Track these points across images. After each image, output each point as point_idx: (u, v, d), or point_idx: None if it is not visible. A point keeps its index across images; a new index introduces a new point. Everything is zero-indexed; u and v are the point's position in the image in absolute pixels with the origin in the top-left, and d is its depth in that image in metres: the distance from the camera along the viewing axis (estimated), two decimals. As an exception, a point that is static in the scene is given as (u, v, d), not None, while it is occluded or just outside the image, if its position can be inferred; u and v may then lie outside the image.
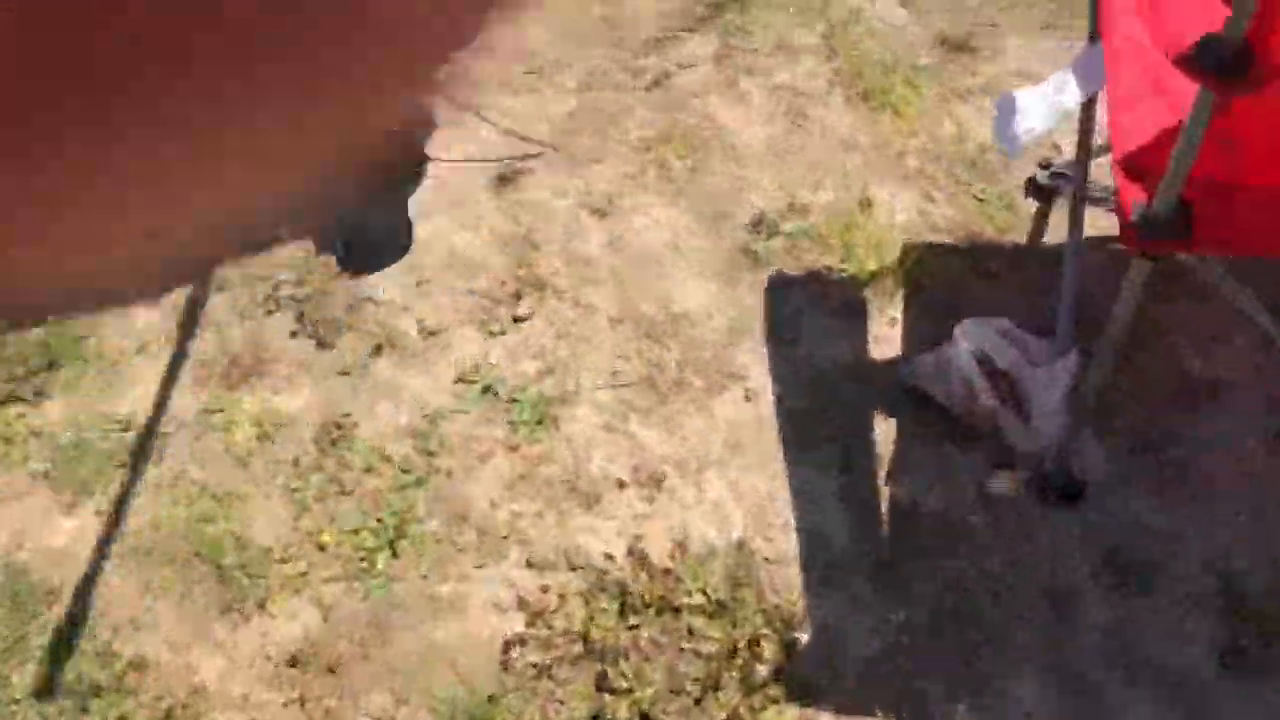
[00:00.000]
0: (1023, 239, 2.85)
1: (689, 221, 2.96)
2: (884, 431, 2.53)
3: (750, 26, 3.46)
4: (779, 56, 3.34)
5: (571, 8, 3.54)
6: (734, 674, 2.21)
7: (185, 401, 2.71)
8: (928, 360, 2.53)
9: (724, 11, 3.52)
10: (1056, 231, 2.83)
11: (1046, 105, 2.16)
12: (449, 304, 2.86)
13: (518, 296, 2.84)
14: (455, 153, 3.15)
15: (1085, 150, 2.33)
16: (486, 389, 2.69)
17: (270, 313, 2.85)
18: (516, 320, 2.81)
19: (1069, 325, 2.33)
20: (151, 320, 2.84)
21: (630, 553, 2.39)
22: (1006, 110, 2.24)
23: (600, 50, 3.44)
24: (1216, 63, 1.58)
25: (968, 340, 2.32)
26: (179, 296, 2.88)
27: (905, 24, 3.37)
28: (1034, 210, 2.88)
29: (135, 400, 2.71)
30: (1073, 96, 2.11)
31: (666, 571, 2.34)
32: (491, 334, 2.78)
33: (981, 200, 2.93)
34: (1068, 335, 2.34)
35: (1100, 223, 2.62)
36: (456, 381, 2.71)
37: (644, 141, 3.14)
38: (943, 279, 2.78)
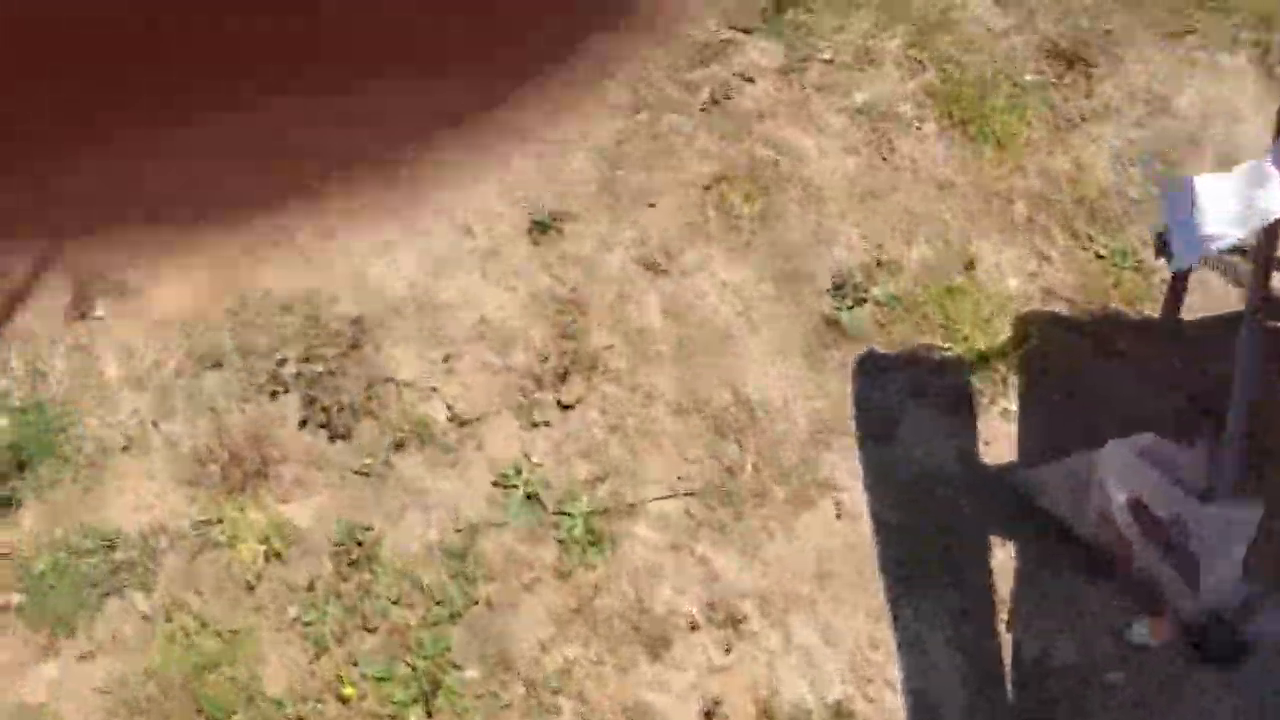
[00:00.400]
0: (1154, 308, 2.43)
1: (760, 282, 2.54)
2: (1002, 559, 2.16)
3: (818, 28, 2.98)
4: (856, 69, 2.87)
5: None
6: None
7: (179, 509, 2.32)
8: (1052, 474, 2.15)
9: (786, 8, 3.03)
10: (1194, 302, 2.40)
11: (1238, 204, 1.73)
12: (482, 384, 2.45)
13: (563, 377, 2.44)
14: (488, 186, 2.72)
15: (1270, 253, 1.90)
16: (530, 495, 2.30)
17: (275, 395, 2.45)
18: (562, 406, 2.41)
19: (1240, 455, 1.93)
20: (138, 404, 2.44)
21: (707, 716, 2.03)
22: (1182, 200, 1.81)
23: (649, 57, 2.97)
24: None
25: (1116, 479, 1.93)
26: (168, 375, 2.47)
27: (1004, 28, 2.89)
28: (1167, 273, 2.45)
29: (122, 508, 2.32)
30: (1276, 202, 1.67)
31: (752, 745, 1.99)
32: (534, 424, 2.38)
33: (1103, 258, 2.51)
34: (1237, 465, 1.94)
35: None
36: (494, 485, 2.32)
37: (704, 177, 2.69)
38: (1062, 361, 2.37)
